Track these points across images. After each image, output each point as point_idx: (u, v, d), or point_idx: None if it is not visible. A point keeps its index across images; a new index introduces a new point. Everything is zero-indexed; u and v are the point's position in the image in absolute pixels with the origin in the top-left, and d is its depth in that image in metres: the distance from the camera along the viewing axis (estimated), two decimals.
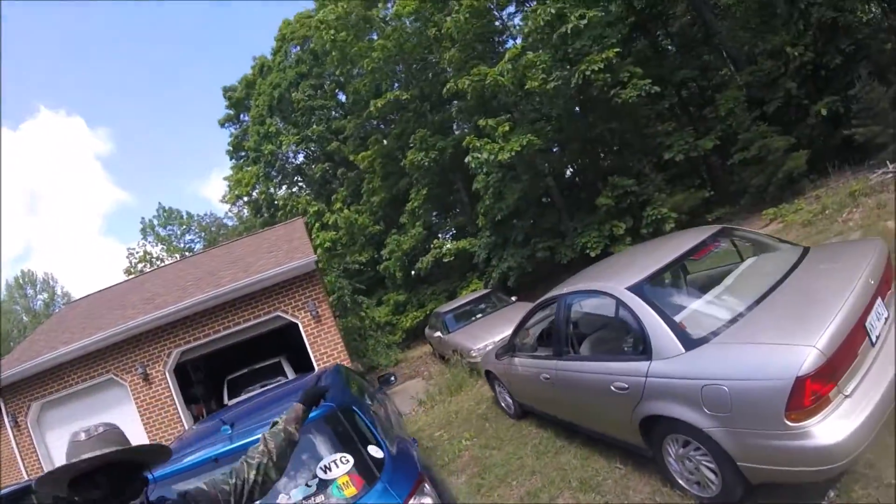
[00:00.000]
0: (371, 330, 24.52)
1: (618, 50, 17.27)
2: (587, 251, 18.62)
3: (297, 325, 13.30)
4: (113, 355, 13.13)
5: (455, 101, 22.71)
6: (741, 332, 4.29)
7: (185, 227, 42.42)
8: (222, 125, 34.39)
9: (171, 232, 42.15)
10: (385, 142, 25.53)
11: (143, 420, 13.07)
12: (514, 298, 16.73)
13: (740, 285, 5.19)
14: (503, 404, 9.03)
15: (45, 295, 51.23)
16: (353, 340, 22.59)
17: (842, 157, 16.31)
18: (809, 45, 17.30)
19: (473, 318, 15.69)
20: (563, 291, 6.60)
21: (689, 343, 4.41)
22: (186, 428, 12.32)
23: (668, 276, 5.81)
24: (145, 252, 39.89)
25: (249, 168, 31.95)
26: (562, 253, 19.71)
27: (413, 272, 25.32)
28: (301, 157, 32.77)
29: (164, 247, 41.07)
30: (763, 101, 18.20)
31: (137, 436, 12.40)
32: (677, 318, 4.74)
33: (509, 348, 8.02)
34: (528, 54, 17.87)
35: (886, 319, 4.28)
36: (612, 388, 5.05)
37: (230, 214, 41.90)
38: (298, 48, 31.33)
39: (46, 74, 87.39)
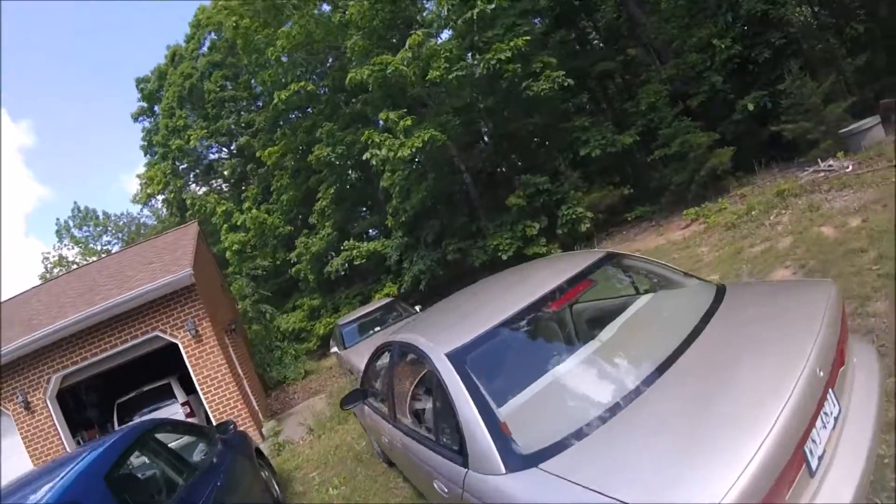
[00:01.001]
0: (278, 340, 21.85)
1: (527, 38, 15.03)
2: (499, 253, 16.39)
3: (177, 345, 11.81)
4: None
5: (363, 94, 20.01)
6: (596, 457, 2.44)
7: (101, 227, 38.83)
8: (135, 119, 30.55)
9: (87, 233, 38.49)
10: (296, 136, 22.67)
11: (28, 451, 11.63)
12: (418, 308, 14.52)
13: (616, 355, 3.40)
14: (374, 446, 7.26)
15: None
16: (259, 353, 20.03)
17: (769, 155, 14.72)
18: (738, 38, 15.55)
19: (372, 332, 13.50)
20: (393, 339, 4.79)
21: (512, 460, 2.65)
22: None
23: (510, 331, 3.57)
24: (60, 256, 36.20)
25: (159, 165, 28.69)
26: (473, 255, 17.42)
27: (315, 277, 22.58)
28: (214, 153, 29.56)
29: (80, 249, 37.39)
30: (687, 95, 16.31)
31: (22, 467, 10.63)
32: (503, 413, 2.93)
33: (359, 394, 6.00)
34: (432, 42, 15.61)
35: (836, 419, 2.51)
36: (434, 485, 3.51)
37: (148, 213, 38.47)
38: (213, 35, 28.08)
39: None
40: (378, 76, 15.79)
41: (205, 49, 28.12)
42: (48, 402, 11.63)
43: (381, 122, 16.79)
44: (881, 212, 8.03)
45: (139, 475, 5.06)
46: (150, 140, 29.22)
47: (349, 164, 21.13)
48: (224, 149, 28.77)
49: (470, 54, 15.75)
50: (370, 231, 22.66)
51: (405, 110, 16.46)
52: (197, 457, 5.85)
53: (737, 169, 14.63)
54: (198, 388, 11.87)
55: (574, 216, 15.67)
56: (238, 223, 24.30)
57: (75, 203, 48.48)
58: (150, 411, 12.58)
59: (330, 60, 21.88)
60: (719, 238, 10.71)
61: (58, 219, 41.79)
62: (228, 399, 11.82)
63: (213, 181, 29.95)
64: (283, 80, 20.57)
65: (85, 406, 15.59)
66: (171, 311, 11.76)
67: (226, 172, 28.43)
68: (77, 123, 79.13)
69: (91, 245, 37.95)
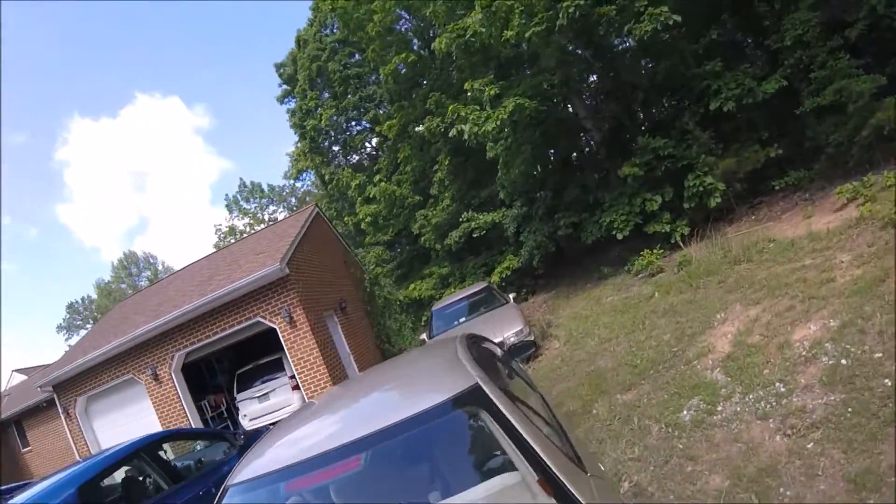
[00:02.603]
0: (397, 312, 20.70)
1: None
2: (614, 231, 13.55)
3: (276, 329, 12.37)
4: (131, 358, 13.44)
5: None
6: None
7: (267, 199, 39.96)
8: (281, 101, 30.25)
9: (254, 205, 39.83)
10: (414, 106, 20.78)
11: (157, 414, 13.40)
12: (511, 296, 12.80)
13: None
14: None
15: (149, 272, 51.02)
16: (379, 325, 19.03)
17: None
18: None
19: (456, 322, 12.37)
20: None
21: None
22: (191, 424, 13.03)
23: None
24: (230, 227, 37.77)
25: (300, 143, 28.28)
26: (588, 231, 14.57)
27: (441, 247, 20.84)
28: (353, 128, 28.25)
29: (249, 219, 38.80)
30: (846, 24, 11.77)
31: (153, 426, 13.06)
32: None
33: None
34: None
35: None
36: None
37: (309, 183, 38.67)
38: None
39: (136, 60, 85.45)
40: (459, 42, 13.34)
41: (327, 31, 26.80)
42: (173, 375, 13.09)
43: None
44: None
45: (118, 485, 6.01)
46: (292, 121, 28.78)
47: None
48: (356, 123, 27.57)
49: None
50: (498, 199, 20.44)
51: (492, 77, 13.93)
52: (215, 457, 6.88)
53: None
54: (293, 367, 12.34)
55: (703, 188, 12.31)
56: (370, 195, 23.15)
57: (241, 179, 50.89)
58: (264, 381, 13.59)
59: (435, 26, 19.50)
60: (871, 240, 7.41)
61: (227, 194, 44.00)
62: (319, 379, 12.08)
63: (351, 155, 29.01)
64: (387, 55, 18.60)
65: (216, 374, 17.04)
66: (269, 300, 12.21)
67: (359, 147, 27.36)
68: (247, 103, 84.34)
69: (258, 215, 39.35)
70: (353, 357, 14.77)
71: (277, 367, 13.46)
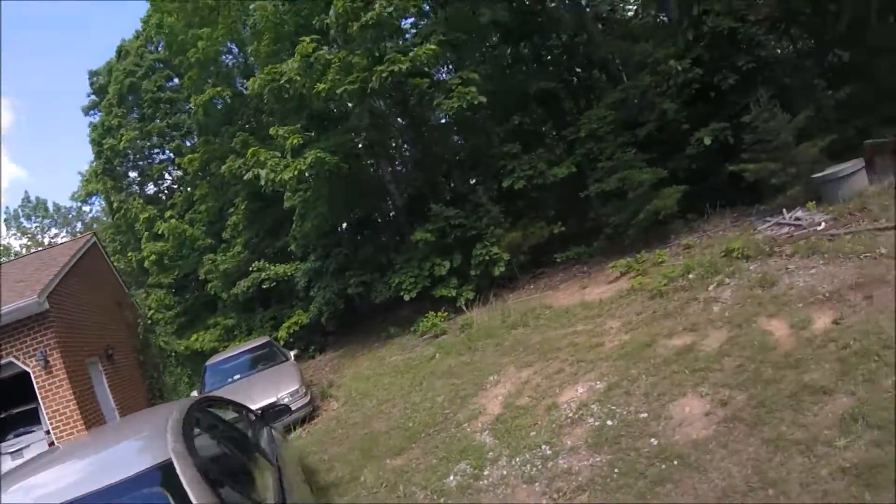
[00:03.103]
0: (173, 364, 18.31)
1: (432, 49, 11.72)
2: (402, 292, 13.05)
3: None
4: None
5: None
6: None
7: (50, 219, 35.17)
8: (86, 112, 26.32)
9: (36, 224, 34.82)
10: (221, 143, 19.13)
11: None
12: (293, 353, 11.80)
13: None
14: None
15: None
16: (151, 377, 16.53)
17: (726, 198, 11.14)
18: (698, 61, 11.92)
19: (230, 379, 11.03)
20: None
21: None
22: None
23: None
24: (5, 246, 32.49)
25: (95, 163, 25.05)
26: (378, 291, 13.98)
27: (229, 296, 18.95)
28: (155, 156, 25.42)
29: (27, 240, 33.71)
30: (636, 123, 12.60)
31: None
32: None
33: None
34: (324, 50, 12.22)
35: None
36: None
37: (98, 209, 34.12)
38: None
39: None
40: (273, 86, 12.46)
41: (151, 47, 24.44)
42: None
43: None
44: (862, 308, 4.96)
45: None
46: (91, 136, 25.42)
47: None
48: (159, 151, 25.04)
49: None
50: (289, 251, 19.02)
51: (300, 126, 13.18)
52: None
53: (687, 211, 11.20)
54: (46, 421, 10.32)
55: (489, 256, 12.28)
56: (159, 231, 20.70)
57: (26, 192, 44.71)
58: (17, 435, 11.03)
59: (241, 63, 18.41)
60: (640, 308, 7.64)
61: (7, 207, 38.28)
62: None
63: (148, 185, 26.05)
64: (203, 85, 17.06)
65: None
66: (24, 337, 10.31)
67: (156, 177, 24.75)
68: (55, 107, 73.83)
69: (38, 237, 34.33)
70: (118, 414, 12.81)
71: (34, 418, 11.15)
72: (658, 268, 9.03)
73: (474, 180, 14.75)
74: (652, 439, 4.30)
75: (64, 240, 32.91)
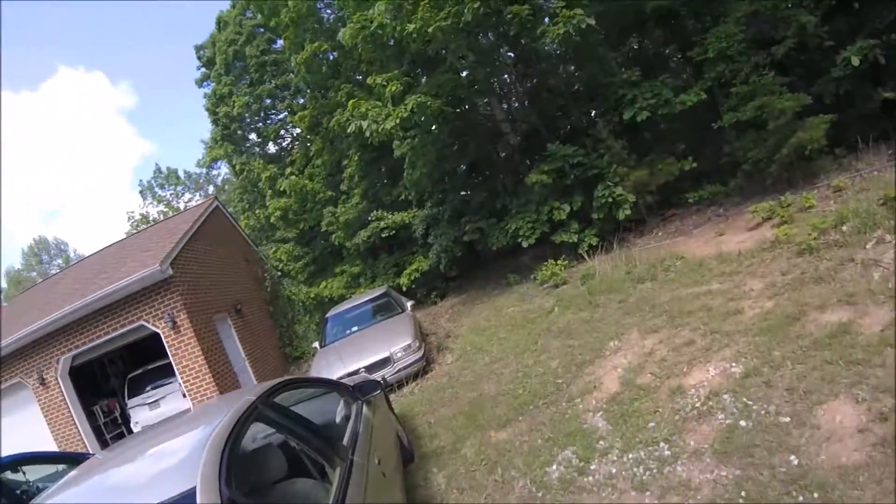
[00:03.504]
0: (300, 313, 19.03)
1: None
2: (520, 239, 12.39)
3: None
4: (17, 361, 12.06)
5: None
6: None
7: (182, 186, 37.17)
8: (199, 85, 26.92)
9: (170, 192, 36.94)
10: (327, 98, 19.03)
11: (46, 420, 12.08)
12: (410, 304, 11.41)
13: None
14: None
15: (60, 260, 46.85)
16: (280, 327, 17.46)
17: (880, 129, 9.63)
18: None
19: (349, 331, 11.18)
20: None
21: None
22: (80, 432, 11.97)
23: None
24: (142, 215, 34.75)
25: (213, 130, 26.00)
26: (494, 237, 13.30)
27: (351, 246, 19.20)
28: (273, 118, 25.65)
29: (164, 207, 35.84)
30: (771, 41, 10.97)
31: (42, 434, 11.94)
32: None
33: None
34: None
35: None
36: None
37: (226, 173, 35.86)
38: None
39: (59, 32, 79.06)
40: (365, 34, 11.91)
41: (250, 14, 24.36)
42: (59, 379, 11.77)
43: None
44: None
45: None
46: (207, 106, 26.32)
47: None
48: (274, 112, 25.45)
49: None
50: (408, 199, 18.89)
51: (399, 72, 12.56)
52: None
53: (837, 144, 9.69)
54: (178, 375, 11.27)
55: (612, 198, 11.34)
56: (281, 188, 21.27)
57: (157, 164, 47.31)
58: (155, 387, 12.60)
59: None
60: (785, 266, 6.42)
61: (141, 180, 40.65)
62: (205, 389, 11.02)
63: (268, 145, 26.77)
64: (302, 43, 16.83)
65: (109, 376, 15.35)
66: (152, 303, 11.10)
67: (272, 137, 25.31)
68: (173, 84, 78.71)
69: (173, 203, 36.50)
70: (248, 363, 13.69)
71: (169, 372, 12.02)
72: (805, 214, 7.86)
73: (593, 113, 13.64)
74: (792, 456, 3.44)
75: (198, 203, 34.99)
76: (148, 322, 11.13)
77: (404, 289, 16.95)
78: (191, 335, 11.01)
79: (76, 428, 12.03)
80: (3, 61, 73.37)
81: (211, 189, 37.52)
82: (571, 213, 12.00)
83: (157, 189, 36.53)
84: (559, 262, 11.42)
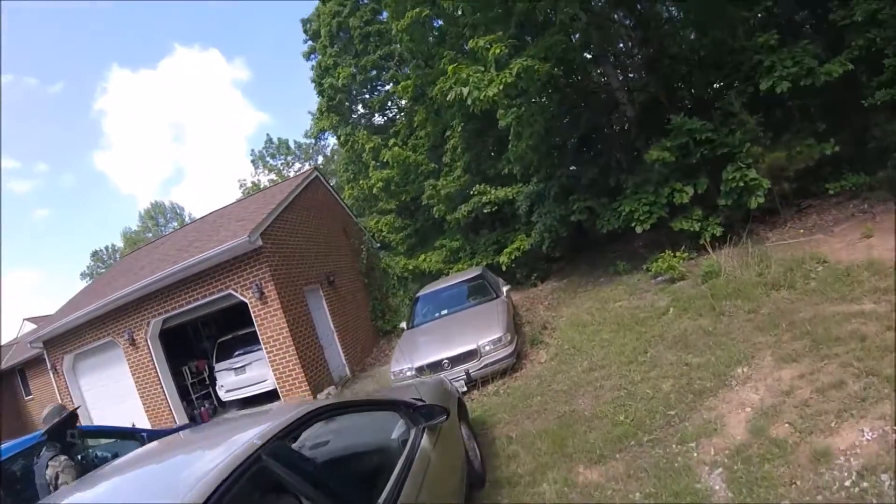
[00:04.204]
0: (394, 286, 18.64)
1: None
2: (633, 223, 11.00)
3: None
4: (111, 321, 12.70)
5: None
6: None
7: (293, 156, 37.78)
8: (306, 58, 27.19)
9: (281, 161, 37.71)
10: (432, 67, 18.17)
11: (133, 378, 12.76)
12: (506, 288, 10.42)
13: None
14: None
15: (176, 223, 49.18)
16: (375, 299, 17.19)
17: None
18: None
19: (437, 315, 10.43)
20: None
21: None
22: (165, 392, 12.46)
23: None
24: (254, 183, 35.79)
25: (319, 101, 25.96)
26: (605, 219, 11.92)
27: (452, 220, 18.48)
28: (380, 89, 25.41)
29: (275, 176, 36.73)
30: None
31: (130, 391, 12.82)
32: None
33: None
34: None
35: None
36: None
37: (334, 143, 35.97)
38: None
39: (176, 13, 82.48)
40: None
41: None
42: (149, 341, 12.24)
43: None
44: None
45: None
46: (313, 78, 26.29)
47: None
48: (380, 83, 25.06)
49: None
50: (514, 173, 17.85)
51: (505, 35, 11.39)
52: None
53: None
54: (263, 346, 11.18)
55: (744, 183, 9.76)
56: (384, 160, 20.90)
57: (268, 135, 48.42)
58: (242, 354, 12.68)
59: None
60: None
61: (253, 149, 41.75)
62: (287, 361, 10.92)
63: (374, 116, 26.50)
64: (404, 9, 15.98)
65: (202, 338, 15.88)
66: (241, 272, 11.08)
67: (377, 108, 24.94)
68: (285, 57, 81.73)
69: (284, 171, 37.28)
70: (336, 335, 13.50)
71: (257, 339, 11.77)
72: None
73: (720, 83, 11.89)
74: None
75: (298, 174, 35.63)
76: (236, 291, 11.12)
77: (504, 268, 16.14)
78: (277, 306, 10.84)
79: (161, 387, 12.45)
80: (120, 43, 78.95)
81: (321, 159, 38.04)
82: (695, 196, 10.52)
83: (268, 158, 37.46)
84: (678, 253, 10.00)
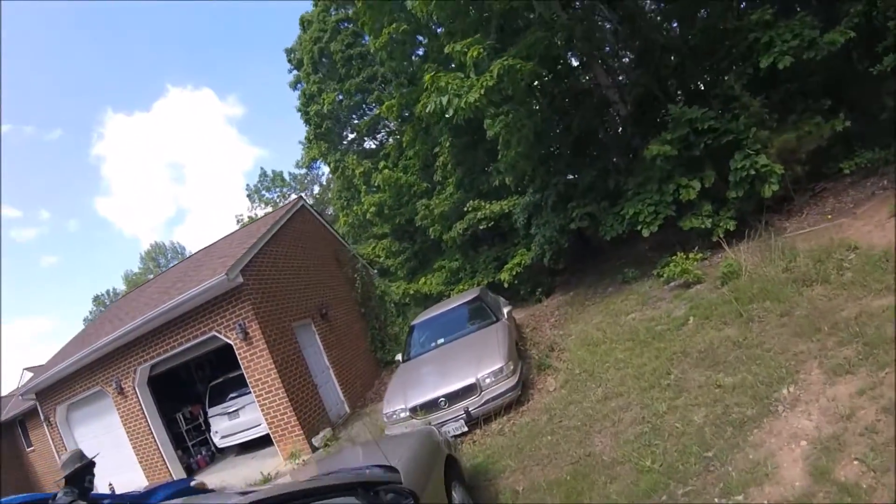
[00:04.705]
0: (392, 314, 17.72)
1: None
2: (639, 226, 10.08)
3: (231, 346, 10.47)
4: (99, 369, 12.01)
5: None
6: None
7: (288, 188, 37.19)
8: (293, 87, 26.60)
9: (276, 194, 37.14)
10: (415, 85, 17.42)
11: (125, 428, 12.04)
12: (507, 309, 9.36)
13: None
14: None
15: (177, 263, 48.29)
16: (373, 328, 16.19)
17: None
18: None
19: (434, 345, 9.29)
20: None
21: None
22: (157, 441, 11.78)
23: None
24: (250, 218, 35.18)
25: (307, 130, 25.31)
26: (607, 225, 10.97)
27: (448, 239, 17.57)
28: (367, 112, 24.59)
29: (271, 209, 36.11)
30: None
31: (124, 441, 12.08)
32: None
33: None
34: None
35: None
36: None
37: (326, 171, 35.39)
38: None
39: (165, 55, 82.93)
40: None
41: (333, 11, 23.38)
42: (136, 389, 11.59)
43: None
44: None
45: None
46: (299, 106, 25.67)
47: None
48: (365, 107, 24.36)
49: None
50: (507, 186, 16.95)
51: (485, 37, 10.60)
52: None
53: None
54: (251, 389, 10.43)
55: (755, 170, 8.82)
56: (375, 183, 20.08)
57: (262, 168, 47.81)
58: (236, 396, 11.88)
59: None
60: None
61: (248, 184, 41.36)
62: (278, 404, 10.16)
63: (364, 141, 25.78)
64: (380, 27, 15.22)
65: (195, 382, 15.01)
66: (223, 313, 10.35)
67: (364, 131, 24.22)
68: (276, 91, 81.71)
69: (280, 204, 36.66)
70: (333, 371, 12.66)
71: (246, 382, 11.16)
72: None
73: (713, 69, 11.05)
74: None
75: (283, 205, 35.12)
76: (220, 333, 10.40)
77: (506, 285, 15.17)
78: (263, 347, 10.10)
79: (153, 437, 11.77)
80: (112, 87, 79.44)
81: (317, 189, 37.48)
82: (703, 191, 9.54)
83: (263, 192, 36.90)
84: (690, 254, 8.99)
